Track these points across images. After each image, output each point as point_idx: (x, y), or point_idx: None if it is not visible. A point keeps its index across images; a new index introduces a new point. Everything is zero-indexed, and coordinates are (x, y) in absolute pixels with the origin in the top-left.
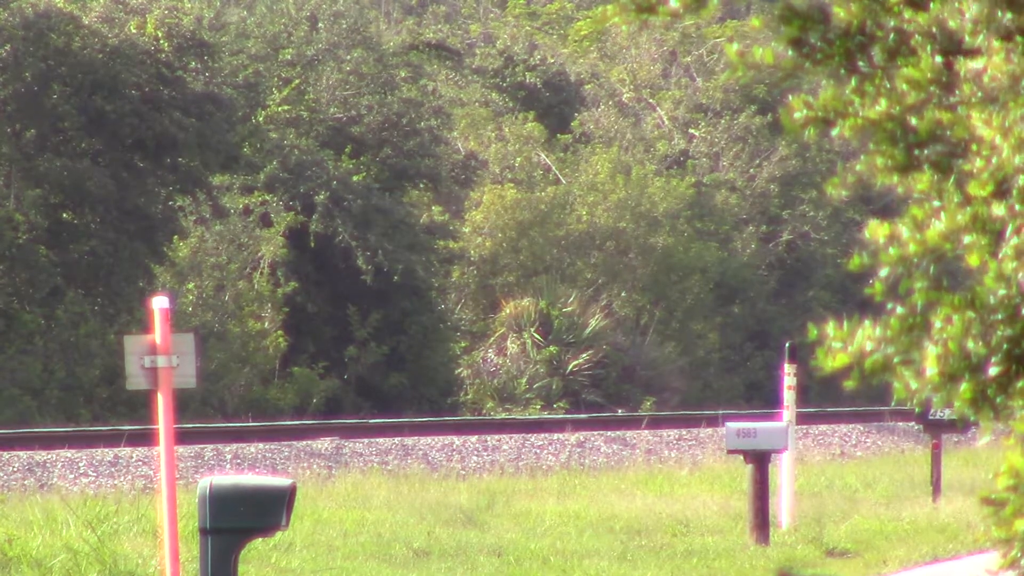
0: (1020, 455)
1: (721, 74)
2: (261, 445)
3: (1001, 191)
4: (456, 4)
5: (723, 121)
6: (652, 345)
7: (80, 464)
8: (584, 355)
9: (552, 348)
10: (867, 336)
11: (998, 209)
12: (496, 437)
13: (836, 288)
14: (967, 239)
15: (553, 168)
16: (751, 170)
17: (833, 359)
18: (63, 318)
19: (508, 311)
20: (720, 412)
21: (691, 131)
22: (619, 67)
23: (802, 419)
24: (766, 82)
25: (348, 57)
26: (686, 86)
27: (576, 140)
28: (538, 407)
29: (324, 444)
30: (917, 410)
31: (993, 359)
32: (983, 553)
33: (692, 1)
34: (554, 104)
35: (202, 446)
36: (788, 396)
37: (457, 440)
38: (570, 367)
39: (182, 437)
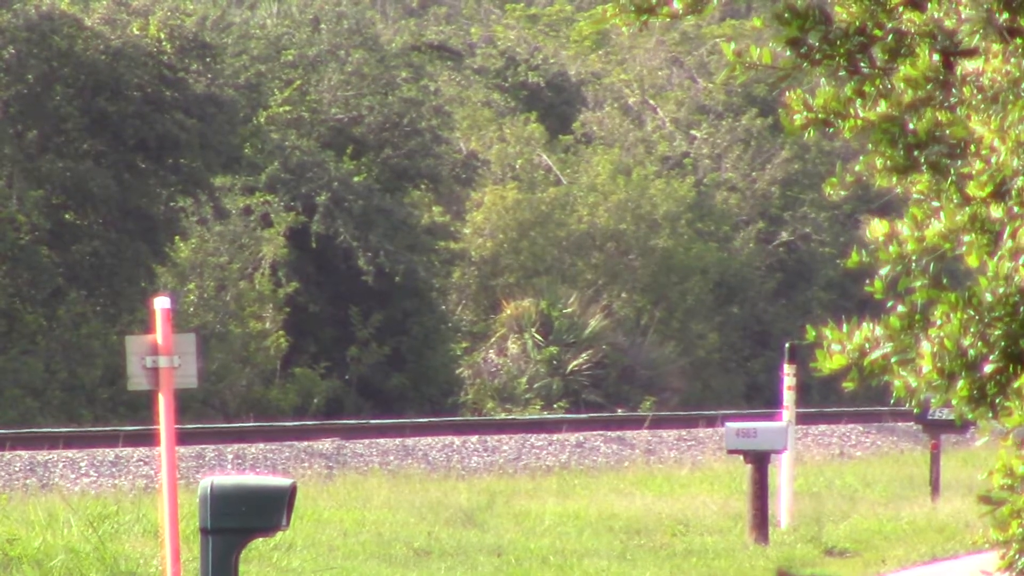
0: (1014, 454)
1: (720, 74)
2: (262, 445)
3: (1000, 192)
4: (456, 4)
5: (725, 122)
6: (652, 345)
7: (81, 464)
8: (584, 355)
9: (552, 348)
10: (865, 337)
11: (996, 210)
12: (496, 437)
13: (836, 289)
14: (966, 239)
15: (554, 169)
16: (753, 173)
17: (831, 361)
18: (65, 318)
19: (509, 312)
20: (720, 412)
21: (692, 132)
22: (620, 68)
23: (802, 419)
24: (766, 82)
25: (350, 58)
26: (688, 87)
27: (578, 141)
28: (538, 407)
29: (325, 444)
30: (916, 410)
31: (990, 357)
32: (981, 553)
33: (693, 2)
34: (556, 104)
35: (203, 446)
36: (788, 396)
37: (457, 440)
38: (570, 367)
39: (183, 437)
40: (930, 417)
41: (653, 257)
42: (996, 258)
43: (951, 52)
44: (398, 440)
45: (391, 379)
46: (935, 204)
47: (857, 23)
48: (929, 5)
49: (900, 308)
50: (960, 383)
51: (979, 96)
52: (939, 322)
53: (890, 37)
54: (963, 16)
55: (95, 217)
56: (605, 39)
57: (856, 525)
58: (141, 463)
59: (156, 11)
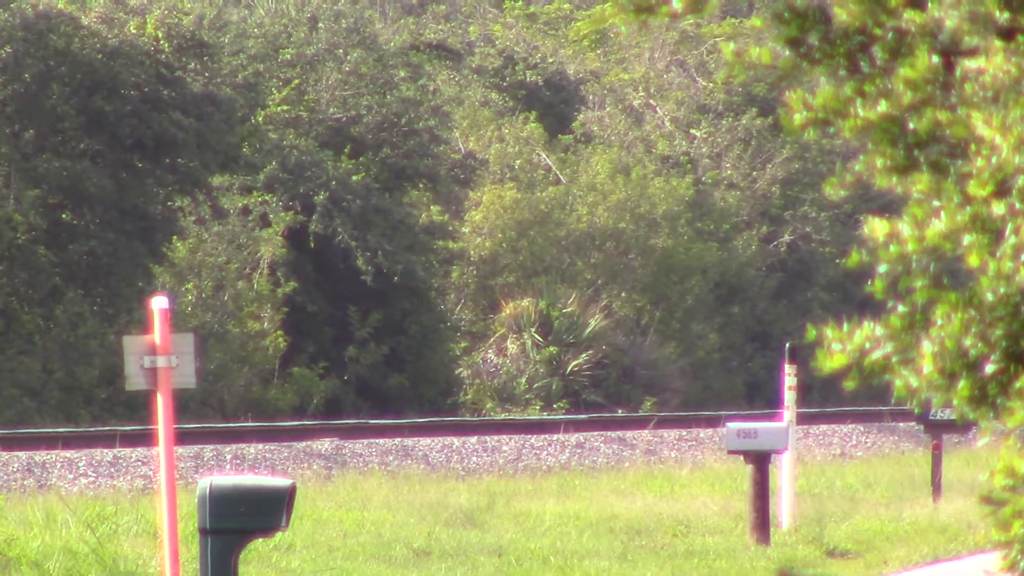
0: (1016, 454)
1: (719, 73)
2: (261, 445)
3: (1001, 191)
4: (455, 3)
5: (725, 122)
6: (652, 345)
7: (79, 464)
8: (584, 355)
9: (552, 348)
10: (866, 336)
11: (998, 208)
12: (496, 438)
13: (836, 289)
14: (967, 239)
15: (553, 168)
16: (753, 172)
17: (831, 360)
18: (62, 318)
19: (508, 311)
20: (720, 412)
21: (692, 132)
22: (620, 68)
23: (802, 419)
24: (766, 81)
25: (348, 57)
26: (688, 87)
27: (577, 140)
28: (538, 407)
29: (324, 444)
30: (917, 410)
31: (992, 357)
32: (984, 554)
33: (692, 1)
34: (554, 103)
35: (201, 446)
36: (788, 396)
37: (457, 441)
38: (570, 367)
39: (181, 437)
40: (931, 417)
41: (653, 257)
42: (997, 257)
43: (951, 52)
44: (397, 440)
45: (390, 379)
46: (936, 204)
47: (857, 23)
48: (930, 4)
49: (901, 308)
50: (961, 383)
51: (980, 94)
52: (940, 322)
53: (890, 36)
54: (962, 16)
55: (92, 217)
56: (604, 38)
57: (858, 526)
58: (139, 463)
59: (153, 10)
